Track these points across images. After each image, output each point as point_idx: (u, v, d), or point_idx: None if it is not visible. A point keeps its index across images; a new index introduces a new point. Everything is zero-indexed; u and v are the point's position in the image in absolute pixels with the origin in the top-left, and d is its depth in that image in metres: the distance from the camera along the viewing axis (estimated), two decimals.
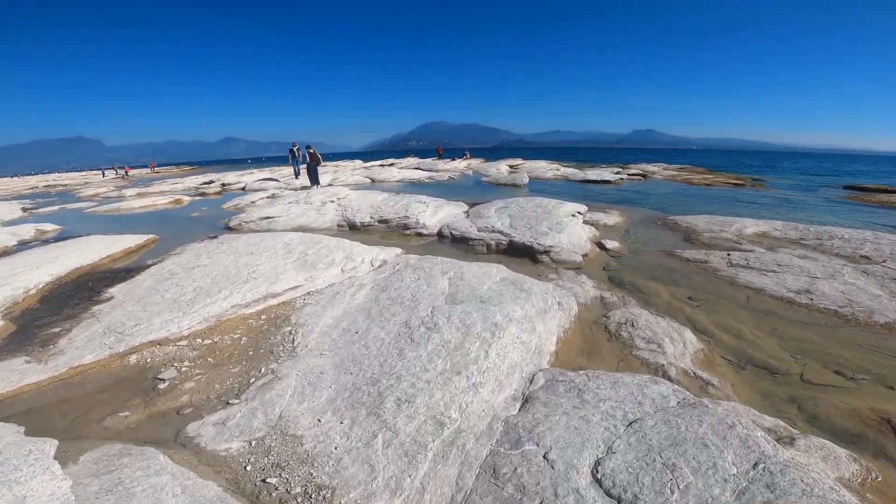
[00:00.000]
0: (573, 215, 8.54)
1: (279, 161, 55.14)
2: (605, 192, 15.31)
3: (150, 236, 8.76)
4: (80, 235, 9.52)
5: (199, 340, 4.08)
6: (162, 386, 3.40)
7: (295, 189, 16.72)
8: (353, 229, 9.02)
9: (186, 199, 16.60)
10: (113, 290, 5.37)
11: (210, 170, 51.02)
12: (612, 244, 7.43)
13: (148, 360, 3.79)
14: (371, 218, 9.07)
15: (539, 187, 16.62)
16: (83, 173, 71.82)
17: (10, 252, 8.49)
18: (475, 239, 7.59)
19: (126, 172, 53.38)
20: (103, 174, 57.24)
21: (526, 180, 17.69)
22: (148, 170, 63.08)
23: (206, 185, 22.73)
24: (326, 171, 24.19)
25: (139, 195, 20.43)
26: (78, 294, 5.41)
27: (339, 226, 9.18)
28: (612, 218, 9.56)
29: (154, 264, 6.45)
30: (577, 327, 4.44)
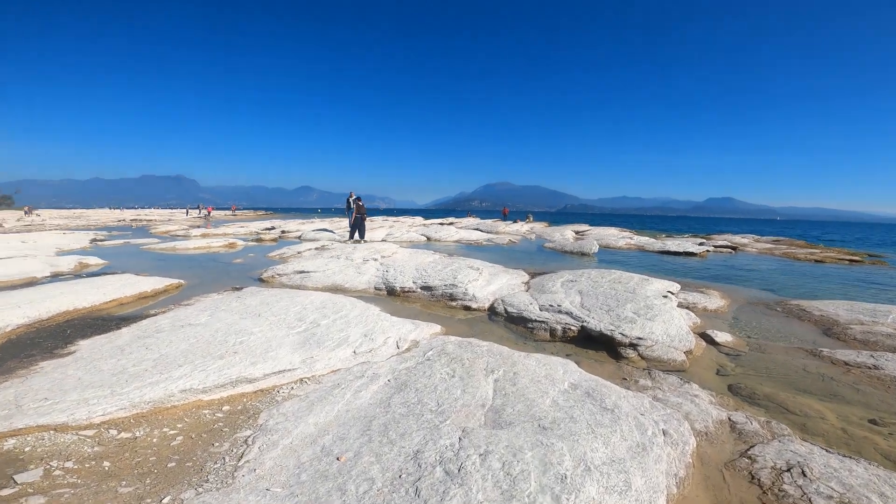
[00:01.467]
0: (664, 296, 6.85)
1: (343, 213, 57.06)
2: (691, 266, 13.29)
3: (176, 281, 8.07)
4: (115, 272, 9.09)
5: (114, 432, 2.88)
6: (6, 491, 2.21)
7: (345, 242, 16.16)
8: (391, 294, 7.84)
9: (241, 244, 16.50)
10: (83, 344, 4.42)
11: (279, 216, 53.46)
12: (722, 337, 5.66)
13: (27, 449, 2.65)
14: (414, 283, 7.87)
15: (610, 258, 14.88)
16: (172, 210, 78.22)
17: (34, 283, 8.09)
18: (536, 321, 6.11)
19: (208, 212, 57.29)
20: (187, 212, 61.88)
21: (595, 248, 16.01)
22: (230, 212, 67.28)
23: (267, 231, 23.06)
24: (381, 227, 23.85)
25: (203, 235, 20.94)
26: (42, 343, 4.51)
27: (376, 289, 8.04)
28: (712, 300, 7.72)
29: (152, 315, 5.57)
30: (699, 476, 2.79)
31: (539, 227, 32.26)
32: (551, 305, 6.51)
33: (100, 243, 16.59)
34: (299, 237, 19.94)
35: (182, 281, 8.26)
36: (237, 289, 7.58)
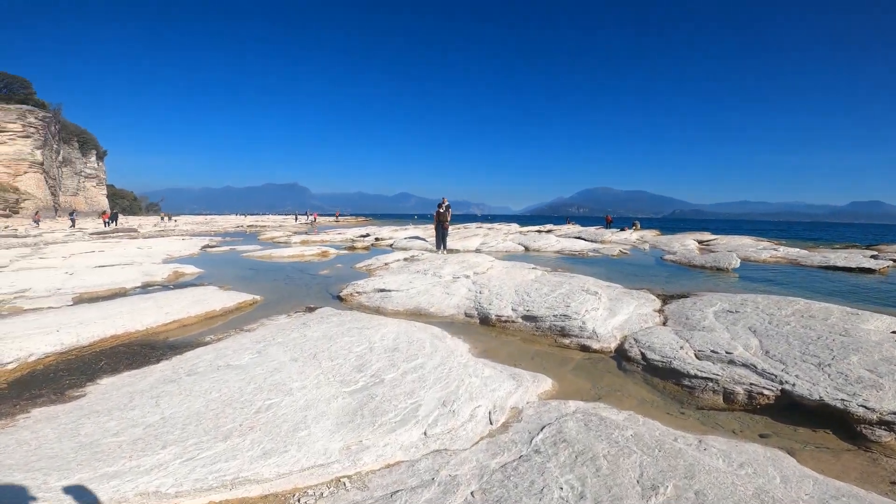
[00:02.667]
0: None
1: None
2: (872, 287, 10.01)
3: (251, 298, 7.38)
4: (200, 285, 8.77)
5: None
6: None
7: (434, 252, 15.05)
8: (485, 323, 6.34)
9: (333, 252, 16.19)
10: (102, 383, 3.59)
11: (377, 222, 54.91)
12: None
13: None
14: (514, 311, 6.30)
15: (758, 275, 11.93)
16: (284, 216, 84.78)
17: (123, 294, 7.90)
18: (697, 376, 4.24)
19: (314, 219, 60.92)
20: (296, 218, 66.43)
21: (736, 263, 13.02)
22: (333, 218, 71.04)
23: (361, 239, 22.96)
24: (476, 234, 22.53)
25: (302, 242, 21.37)
26: (61, 380, 3.76)
27: (466, 315, 6.60)
28: None
29: (203, 344, 4.76)
30: None
31: (650, 235, 28.69)
32: (715, 352, 4.55)
33: (209, 250, 17.36)
34: (391, 245, 19.36)
35: (258, 297, 7.56)
36: (310, 309, 6.64)
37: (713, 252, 16.55)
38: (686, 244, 20.76)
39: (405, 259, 12.80)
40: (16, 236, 22.79)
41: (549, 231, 30.66)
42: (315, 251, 15.88)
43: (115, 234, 27.38)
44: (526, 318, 6.10)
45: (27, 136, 49.90)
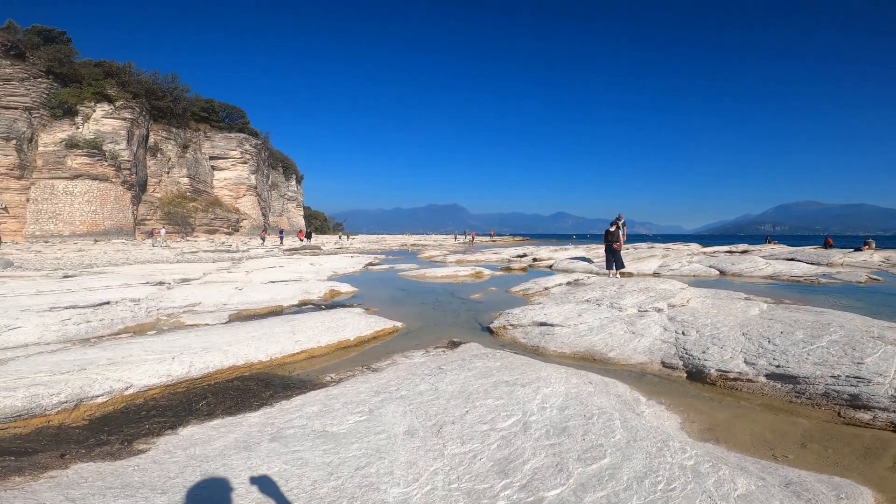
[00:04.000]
0: None
1: (602, 239, 52.69)
2: None
3: (392, 325, 6.50)
4: (350, 306, 8.37)
5: None
6: None
7: (605, 275, 12.77)
8: (695, 379, 4.25)
9: (487, 273, 15.11)
10: (178, 436, 2.74)
11: (534, 242, 53.21)
12: None
13: None
14: (749, 363, 4.08)
15: None
16: (444, 235, 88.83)
17: (280, 311, 7.82)
18: None
19: (472, 238, 62.28)
20: (455, 237, 68.86)
21: None
22: (489, 237, 71.89)
23: (518, 259, 21.63)
24: (652, 255, 19.23)
25: (458, 262, 20.96)
26: (140, 423, 3.11)
27: (664, 364, 4.57)
28: None
29: (317, 387, 3.93)
30: None
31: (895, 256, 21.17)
32: None
33: (370, 268, 17.92)
34: (550, 266, 17.54)
35: (399, 325, 6.65)
36: (453, 344, 5.42)
37: None
38: None
39: (568, 283, 10.91)
40: (229, 251, 27.33)
41: (744, 252, 25.04)
42: (469, 272, 15.00)
43: (302, 251, 31.17)
44: (775, 376, 3.85)
45: (244, 163, 58.66)
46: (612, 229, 13.31)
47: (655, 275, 14.45)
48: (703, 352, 4.42)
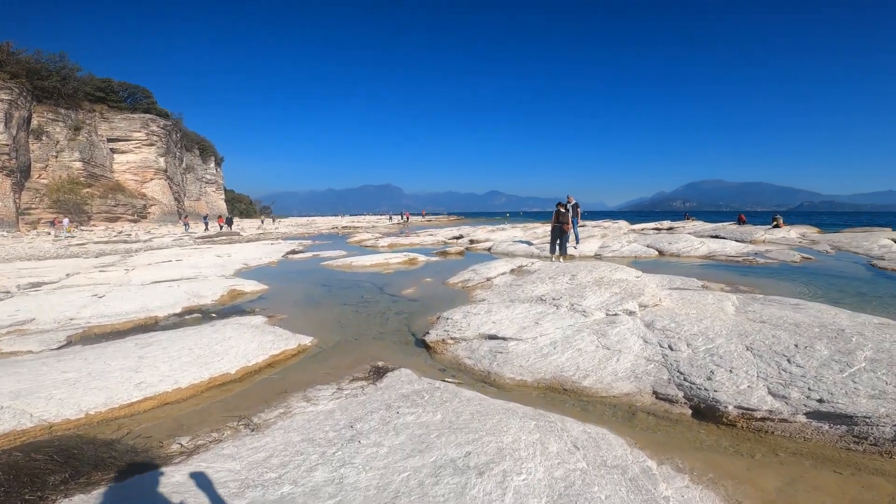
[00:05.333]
0: None
1: (536, 217, 53.05)
2: None
3: (299, 344, 4.95)
4: (252, 313, 6.66)
5: None
6: None
7: (548, 258, 11.87)
8: (705, 418, 3.15)
9: (422, 259, 13.74)
10: None
11: (470, 221, 52.68)
12: None
13: None
14: (775, 395, 3.04)
15: None
16: (378, 216, 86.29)
17: (152, 325, 5.95)
18: None
19: (406, 218, 60.77)
20: (390, 218, 66.99)
21: None
22: (421, 217, 70.63)
23: (454, 241, 20.51)
24: (591, 235, 18.84)
25: (389, 246, 19.43)
26: None
27: (656, 394, 3.45)
28: None
29: (160, 464, 2.22)
30: None
31: (810, 232, 22.56)
32: None
33: (291, 256, 15.88)
34: (489, 249, 16.52)
35: (308, 342, 5.09)
36: (376, 373, 4.02)
37: None
38: (881, 243, 15.26)
39: (512, 271, 9.82)
40: (127, 241, 23.75)
41: (670, 228, 25.68)
42: (401, 258, 13.54)
43: (218, 238, 27.99)
44: (820, 416, 2.84)
45: (151, 145, 53.29)
46: (563, 210, 12.49)
47: (597, 256, 13.92)
48: (709, 378, 3.34)
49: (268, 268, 12.77)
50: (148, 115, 54.60)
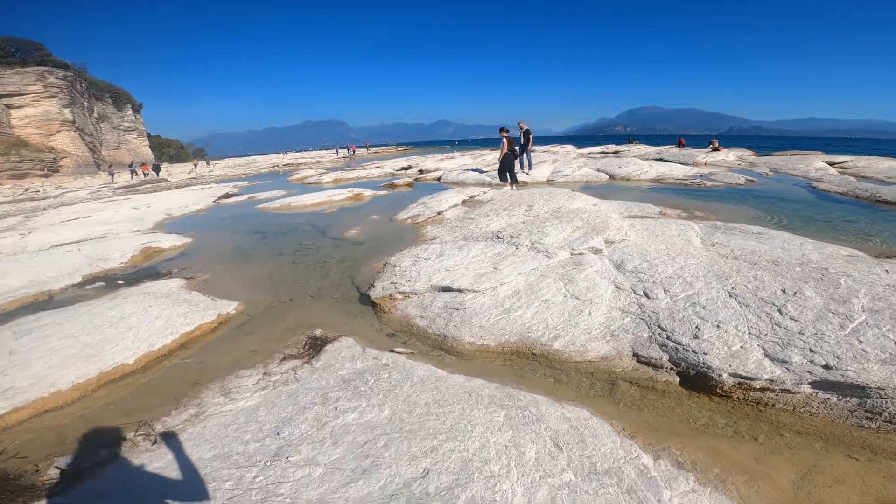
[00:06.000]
0: None
1: (485, 144, 51.86)
2: None
3: (222, 313, 4.20)
4: (168, 275, 5.76)
5: None
6: None
7: (499, 187, 11.28)
8: (695, 387, 2.73)
9: (368, 193, 12.81)
10: None
11: (418, 151, 50.92)
12: None
13: None
14: (773, 359, 2.63)
15: None
16: (323, 151, 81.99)
17: (42, 302, 4.97)
18: None
19: (353, 151, 58.02)
20: (337, 152, 63.83)
21: None
22: (365, 149, 67.87)
23: (402, 172, 19.47)
24: (543, 161, 18.33)
25: (334, 181, 18.21)
26: None
27: (640, 360, 2.99)
28: None
29: None
30: None
31: (746, 154, 23.07)
32: None
33: (224, 201, 14.42)
34: (439, 179, 15.76)
35: (233, 308, 4.35)
36: (314, 345, 3.40)
37: (869, 178, 11.74)
38: (817, 166, 15.78)
39: (464, 202, 9.23)
40: (34, 198, 20.98)
41: (615, 152, 25.65)
42: (346, 194, 12.56)
43: (142, 187, 25.34)
44: (827, 386, 2.46)
45: (52, 97, 49.09)
46: (517, 136, 12.11)
47: (550, 182, 13.57)
48: (695, 336, 2.93)
49: (194, 217, 11.45)
50: (43, 68, 50.30)
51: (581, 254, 4.43)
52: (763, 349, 2.70)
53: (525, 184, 12.97)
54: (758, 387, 2.52)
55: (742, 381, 2.57)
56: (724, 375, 2.61)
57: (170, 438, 2.47)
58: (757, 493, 1.93)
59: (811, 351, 2.58)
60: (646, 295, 3.50)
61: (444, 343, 3.39)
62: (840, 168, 16.33)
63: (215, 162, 66.16)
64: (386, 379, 2.71)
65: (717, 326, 2.95)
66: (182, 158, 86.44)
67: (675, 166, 15.85)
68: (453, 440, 2.11)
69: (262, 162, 54.83)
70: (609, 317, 3.36)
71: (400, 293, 4.19)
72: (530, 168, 14.66)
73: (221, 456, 2.21)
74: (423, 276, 4.37)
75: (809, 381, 2.45)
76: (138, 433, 2.57)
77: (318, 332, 3.68)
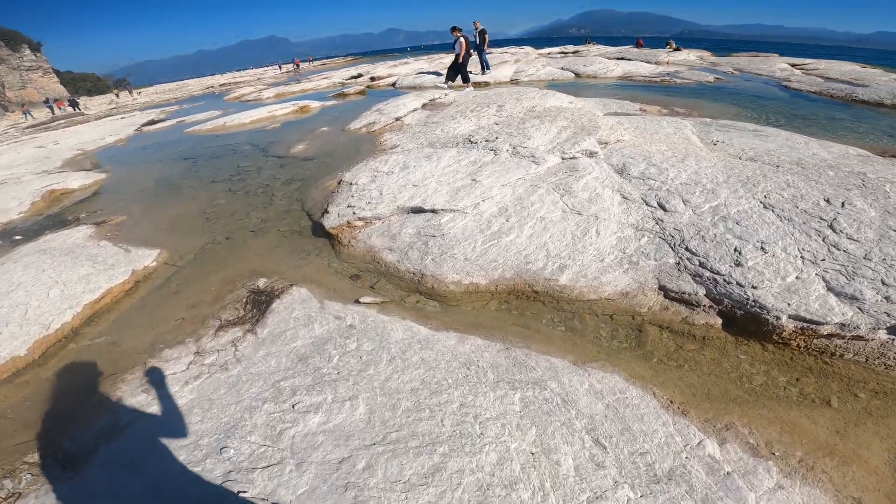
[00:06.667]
0: None
1: (438, 49, 47.91)
2: None
3: (138, 267, 3.34)
4: (73, 224, 4.75)
5: None
6: None
7: (462, 88, 10.16)
8: (744, 331, 2.14)
9: (316, 105, 11.35)
10: None
11: (368, 59, 47.02)
12: None
13: None
14: (838, 294, 2.05)
15: None
16: (265, 69, 74.95)
17: None
18: None
19: (297, 65, 53.31)
20: (280, 67, 58.55)
21: None
22: (309, 64, 62.52)
23: (353, 81, 17.61)
24: (504, 61, 16.81)
25: (277, 96, 16.31)
26: None
27: (669, 295, 2.35)
28: None
29: None
30: None
31: (705, 55, 21.94)
32: None
33: (146, 129, 12.57)
34: (393, 85, 14.23)
35: (153, 259, 3.47)
36: (258, 302, 2.66)
37: (835, 80, 11.14)
38: (780, 66, 15.10)
39: (424, 106, 8.18)
40: None
41: (575, 52, 24.03)
42: (290, 108, 11.11)
43: (54, 124, 22.27)
44: None
45: None
46: (472, 37, 11.64)
47: (514, 82, 12.54)
48: (736, 262, 2.30)
49: (111, 149, 9.83)
50: None
51: (574, 157, 3.67)
52: (824, 280, 2.13)
53: (487, 84, 11.92)
54: (824, 332, 1.96)
55: (806, 325, 1.99)
56: (783, 318, 2.03)
57: (77, 467, 1.76)
58: (853, 482, 1.44)
59: (883, 284, 2.02)
60: (661, 207, 2.85)
61: (422, 284, 2.69)
62: (802, 69, 15.75)
63: (140, 90, 59.82)
64: (354, 351, 2.03)
65: (762, 249, 2.35)
66: (102, 91, 79.96)
67: (641, 64, 15.05)
68: (460, 453, 1.49)
69: (195, 85, 49.60)
70: (621, 237, 2.70)
71: (360, 219, 3.39)
72: (488, 68, 13.56)
73: (152, 491, 1.53)
74: (387, 194, 3.56)
75: (888, 324, 1.90)
76: (39, 466, 1.84)
77: (261, 283, 2.90)
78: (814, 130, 5.58)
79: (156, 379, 2.17)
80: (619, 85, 11.40)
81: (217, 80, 53.85)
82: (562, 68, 14.32)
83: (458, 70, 10.92)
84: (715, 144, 4.05)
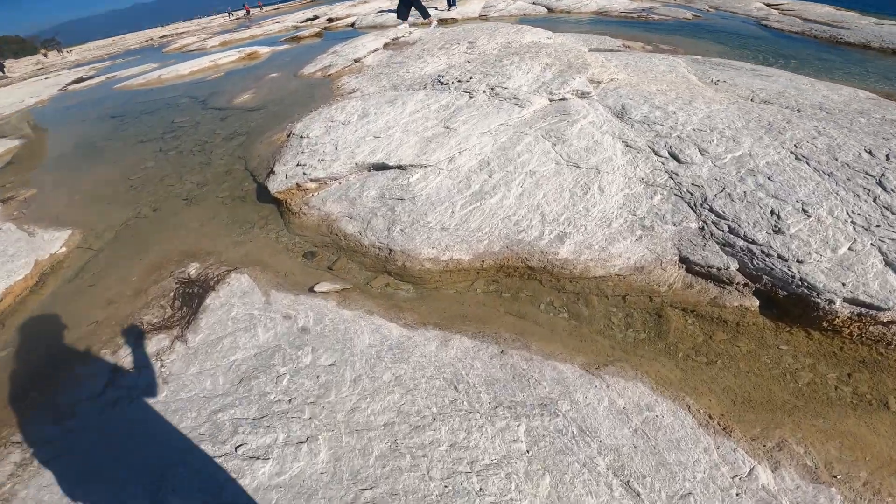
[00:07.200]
0: None
1: None
2: None
3: (49, 255, 2.70)
4: None
5: None
6: None
7: (426, 25, 9.24)
8: (786, 316, 1.71)
9: (265, 51, 10.22)
10: None
11: (325, 0, 43.75)
12: None
13: None
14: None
15: None
16: (211, 17, 69.26)
17: None
18: None
19: (247, 11, 49.36)
20: (229, 15, 54.08)
21: None
22: (259, 9, 57.91)
23: (308, 24, 16.14)
24: None
25: (222, 44, 14.87)
26: None
27: (693, 269, 1.90)
28: None
29: None
30: None
31: None
32: None
33: (72, 87, 11.16)
34: (353, 25, 13.02)
35: (62, 247, 2.84)
36: (187, 302, 2.17)
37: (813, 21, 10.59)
38: (757, 6, 14.35)
39: (386, 45, 7.37)
40: None
41: None
42: (237, 55, 9.97)
43: None
44: None
45: None
46: None
47: (483, 18, 11.52)
48: (775, 229, 1.84)
49: (32, 110, 8.65)
50: None
51: (564, 99, 3.11)
52: (881, 253, 1.69)
53: (454, 21, 10.95)
54: (884, 319, 1.55)
55: (864, 311, 1.57)
56: (838, 303, 1.60)
57: None
58: None
59: None
60: (674, 157, 2.35)
61: (390, 262, 2.17)
62: (778, 9, 15.07)
63: (71, 49, 54.49)
64: (309, 368, 1.54)
65: (803, 211, 1.89)
66: (29, 53, 73.12)
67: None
68: None
69: (133, 39, 45.30)
70: (629, 194, 2.21)
71: (312, 180, 2.80)
72: (454, 4, 12.42)
73: None
74: (343, 149, 2.96)
75: None
76: None
77: (193, 271, 2.33)
78: (809, 71, 5.17)
79: (67, 402, 1.64)
80: (595, 20, 10.65)
81: (158, 32, 49.42)
82: (533, 2, 13.29)
83: (410, 3, 9.68)
84: (716, 84, 3.56)
